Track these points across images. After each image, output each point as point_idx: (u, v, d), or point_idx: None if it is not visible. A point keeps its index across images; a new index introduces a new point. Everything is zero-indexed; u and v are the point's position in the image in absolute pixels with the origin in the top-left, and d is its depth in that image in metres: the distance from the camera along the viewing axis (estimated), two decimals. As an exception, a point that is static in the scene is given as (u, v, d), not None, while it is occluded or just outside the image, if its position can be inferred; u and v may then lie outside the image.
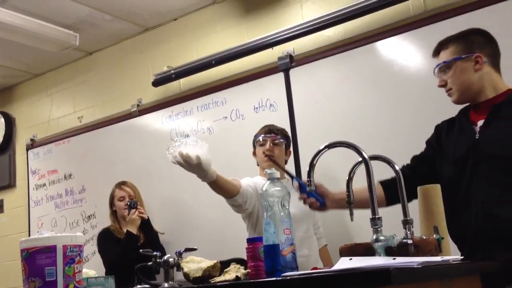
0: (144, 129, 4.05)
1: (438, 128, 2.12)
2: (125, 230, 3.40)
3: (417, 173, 2.02)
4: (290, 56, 3.39)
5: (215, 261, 1.75)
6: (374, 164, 1.56)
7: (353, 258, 1.35)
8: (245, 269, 1.59)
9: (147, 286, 1.88)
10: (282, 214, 1.54)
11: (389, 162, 1.64)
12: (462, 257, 1.47)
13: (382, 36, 3.09)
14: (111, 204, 3.58)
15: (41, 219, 4.58)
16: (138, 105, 4.12)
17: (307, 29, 3.29)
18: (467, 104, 2.02)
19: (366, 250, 1.46)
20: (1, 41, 3.96)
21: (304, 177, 1.75)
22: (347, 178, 1.69)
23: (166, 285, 1.79)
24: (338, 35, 3.29)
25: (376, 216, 1.48)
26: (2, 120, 4.97)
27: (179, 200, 3.77)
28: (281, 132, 2.87)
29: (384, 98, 3.04)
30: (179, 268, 1.79)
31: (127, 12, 3.92)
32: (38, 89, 4.88)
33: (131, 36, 4.28)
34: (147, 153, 3.97)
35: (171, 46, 4.07)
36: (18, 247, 1.54)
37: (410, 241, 1.43)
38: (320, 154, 1.64)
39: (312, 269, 1.58)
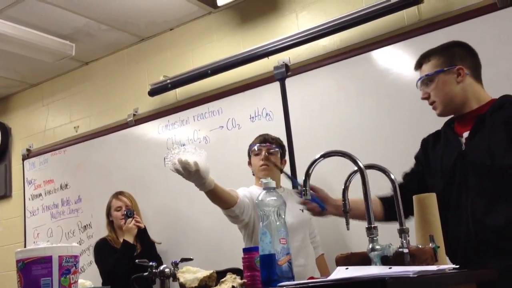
0: (140, 139, 4.05)
1: (424, 142, 2.14)
2: (121, 240, 3.39)
3: (410, 190, 2.01)
4: (286, 66, 3.40)
5: (211, 271, 1.74)
6: (369, 173, 1.56)
7: (349, 267, 1.35)
8: (241, 279, 1.59)
9: (143, 296, 1.87)
10: (278, 223, 1.54)
11: (385, 171, 1.65)
12: (458, 266, 1.47)
13: (377, 45, 3.11)
14: (108, 214, 3.57)
15: (37, 229, 4.56)
16: (134, 115, 4.12)
17: (302, 38, 3.31)
18: (451, 116, 2.05)
19: (362, 259, 1.46)
20: (-3, 51, 3.96)
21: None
22: (343, 187, 1.70)
23: (162, 295, 1.78)
24: (334, 44, 3.31)
25: (372, 226, 1.48)
26: (-2, 130, 4.96)
27: (176, 209, 3.76)
28: (276, 141, 2.87)
29: (380, 107, 3.05)
30: (175, 278, 1.79)
31: (123, 22, 3.93)
32: (34, 99, 4.88)
33: (128, 46, 4.29)
34: (143, 163, 3.97)
35: (167, 56, 4.08)
36: (13, 257, 1.53)
37: (406, 250, 1.42)
38: (315, 163, 1.64)
39: (308, 279, 1.58)
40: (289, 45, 3.36)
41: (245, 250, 1.58)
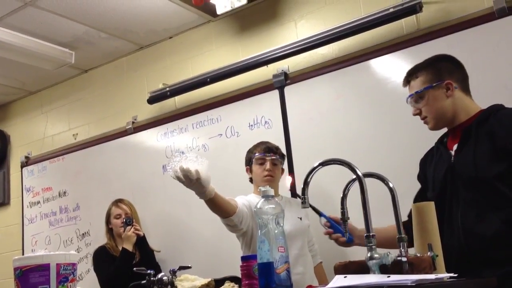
0: (139, 147, 4.05)
1: (421, 162, 2.18)
2: (121, 248, 3.38)
3: None
4: (285, 74, 3.41)
5: (209, 279, 1.74)
6: (368, 181, 1.57)
7: (348, 276, 1.35)
8: (240, 287, 1.58)
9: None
10: (276, 231, 1.53)
11: (383, 180, 1.65)
12: (456, 275, 1.47)
13: (376, 54, 3.12)
14: (107, 221, 3.57)
15: (35, 237, 4.55)
16: (133, 123, 4.13)
17: (301, 47, 3.32)
18: (445, 131, 2.08)
19: (361, 267, 1.46)
20: (-3, 58, 3.97)
21: (299, 193, 1.76)
22: (342, 195, 1.70)
23: (160, 303, 1.78)
24: (332, 53, 3.32)
25: (370, 234, 1.48)
26: (-3, 137, 4.96)
27: (175, 217, 3.76)
28: (279, 151, 2.88)
29: (378, 115, 3.05)
30: (173, 286, 1.78)
31: (123, 30, 3.94)
32: (33, 107, 4.89)
33: (127, 54, 4.30)
34: (142, 171, 3.97)
35: (167, 64, 4.09)
36: (11, 265, 1.53)
37: (404, 259, 1.42)
38: (314, 171, 1.65)
39: (307, 287, 1.57)
40: (288, 54, 3.37)
41: (243, 258, 1.58)
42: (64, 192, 4.43)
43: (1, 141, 4.94)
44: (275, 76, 3.43)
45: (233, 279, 1.74)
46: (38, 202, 4.59)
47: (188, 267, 2.12)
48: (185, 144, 3.80)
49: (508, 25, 2.72)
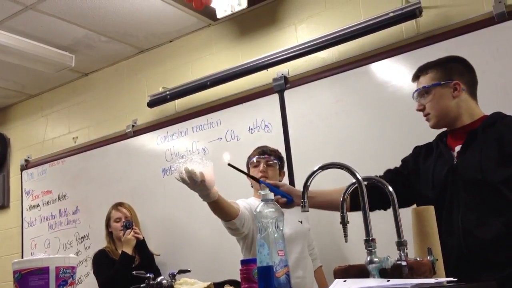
0: (139, 150, 4.05)
1: (416, 150, 2.17)
2: (120, 252, 3.38)
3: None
4: (285, 78, 3.41)
5: (209, 283, 1.74)
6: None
7: (347, 280, 1.35)
8: (239, 291, 1.58)
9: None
10: (276, 235, 1.53)
11: (383, 184, 1.65)
12: (456, 279, 1.47)
13: (375, 58, 3.13)
14: (107, 225, 3.57)
15: (34, 240, 4.55)
16: (133, 126, 4.13)
17: (301, 51, 3.33)
18: (444, 129, 2.07)
19: (360, 271, 1.46)
20: (-3, 62, 3.98)
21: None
22: (341, 199, 1.70)
23: (159, 307, 1.77)
24: (332, 57, 3.32)
25: (370, 238, 1.47)
26: (-3, 140, 4.96)
27: (174, 221, 3.75)
28: (274, 153, 2.88)
29: (378, 119, 3.06)
30: (173, 290, 1.78)
31: (123, 34, 3.95)
32: (33, 110, 4.89)
33: (127, 57, 4.31)
34: (142, 174, 3.97)
35: (167, 68, 4.09)
36: (10, 268, 1.53)
37: (404, 263, 1.42)
38: (314, 175, 1.64)
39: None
40: (288, 58, 3.38)
41: (243, 262, 1.57)
42: (64, 196, 4.43)
43: (1, 144, 4.94)
44: (275, 80, 3.43)
45: (232, 283, 1.73)
46: (38, 205, 4.59)
47: (188, 271, 2.12)
48: (185, 147, 3.80)
49: (508, 30, 2.72)
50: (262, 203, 1.59)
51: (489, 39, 2.76)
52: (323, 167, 1.64)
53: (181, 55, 4.03)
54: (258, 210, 1.57)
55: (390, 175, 2.16)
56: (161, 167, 3.86)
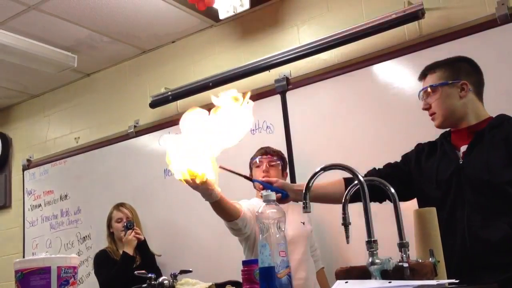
0: (141, 150, 4.05)
1: (418, 148, 2.15)
2: (121, 252, 3.38)
3: (384, 178, 1.98)
4: (287, 79, 3.42)
5: (210, 284, 1.74)
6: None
7: (349, 281, 1.34)
8: (241, 291, 1.58)
9: (141, 308, 1.86)
10: (277, 236, 1.53)
11: (385, 185, 1.65)
12: (458, 281, 1.47)
13: (377, 60, 3.12)
14: (109, 225, 3.57)
15: (35, 240, 4.55)
16: (135, 126, 4.13)
17: (303, 52, 3.33)
18: (449, 129, 2.06)
19: (362, 273, 1.45)
20: None
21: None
22: (343, 200, 1.69)
23: (160, 307, 1.77)
24: (334, 58, 3.32)
25: (372, 239, 1.47)
26: (-1, 140, 4.97)
27: (176, 221, 3.75)
28: (277, 153, 2.88)
29: (379, 121, 3.05)
30: (174, 290, 1.78)
31: (125, 35, 3.95)
32: (36, 110, 4.90)
33: (129, 58, 4.31)
34: (143, 174, 3.97)
35: (169, 68, 4.10)
36: (12, 268, 1.53)
37: (405, 264, 1.42)
38: (316, 176, 1.64)
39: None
40: (290, 59, 3.38)
41: (245, 263, 1.57)
42: (66, 196, 4.44)
43: (3, 144, 4.95)
44: (277, 81, 3.43)
45: (234, 283, 1.73)
46: (40, 205, 4.60)
47: (189, 271, 2.11)
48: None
49: (510, 32, 2.72)
50: (264, 204, 1.59)
51: (491, 41, 2.76)
52: (325, 168, 1.64)
53: (183, 56, 4.03)
54: (260, 211, 1.57)
55: (389, 169, 2.15)
56: (163, 168, 3.86)
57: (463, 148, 1.97)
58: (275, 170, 2.82)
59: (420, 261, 1.49)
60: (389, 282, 1.28)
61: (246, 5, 3.28)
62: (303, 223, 2.80)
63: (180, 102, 3.93)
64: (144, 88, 4.18)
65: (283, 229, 1.57)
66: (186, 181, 2.10)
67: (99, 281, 3.43)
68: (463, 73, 2.01)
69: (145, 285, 1.84)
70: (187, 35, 4.02)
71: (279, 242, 1.53)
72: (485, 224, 1.83)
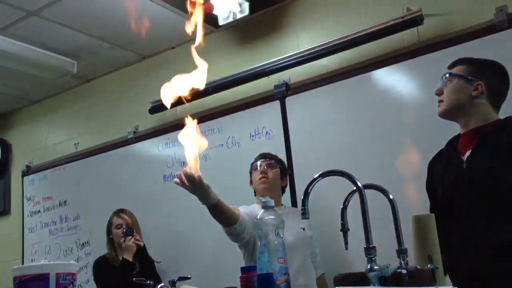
0: (141, 156, 4.05)
1: (429, 166, 2.17)
2: (121, 258, 3.38)
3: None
4: (286, 85, 3.42)
5: (209, 290, 1.73)
6: (368, 192, 1.56)
7: (347, 287, 1.34)
8: (239, 298, 1.58)
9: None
10: (276, 242, 1.53)
11: (384, 191, 1.65)
12: (456, 287, 1.47)
13: (377, 66, 3.13)
14: (109, 231, 3.56)
15: (34, 246, 4.55)
16: (134, 132, 4.13)
17: (303, 58, 3.33)
18: (454, 134, 2.07)
19: (360, 279, 1.45)
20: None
21: (299, 205, 1.76)
22: (342, 206, 1.69)
23: (159, 314, 1.77)
24: (334, 64, 3.33)
25: (370, 246, 1.47)
26: (-1, 146, 4.97)
27: (175, 228, 3.75)
28: (275, 157, 2.90)
29: (379, 127, 3.05)
30: (173, 297, 1.78)
31: (125, 40, 3.96)
32: (35, 116, 4.90)
33: (129, 64, 4.32)
34: (143, 180, 3.97)
35: (168, 74, 4.08)
36: (10, 274, 1.53)
37: (404, 271, 1.42)
38: (314, 182, 1.64)
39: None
40: (289, 65, 3.38)
41: (243, 269, 1.57)
42: (65, 202, 4.43)
43: (2, 150, 4.95)
44: (276, 87, 3.44)
45: (232, 290, 1.73)
46: (39, 211, 4.59)
47: (188, 278, 2.11)
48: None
49: (509, 38, 2.72)
50: (263, 210, 1.59)
51: (490, 47, 2.76)
52: (324, 175, 1.64)
53: (183, 62, 4.03)
54: (258, 217, 1.57)
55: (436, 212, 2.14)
56: (162, 173, 3.86)
57: (468, 153, 1.97)
58: (274, 172, 2.83)
59: (419, 267, 1.49)
60: (388, 289, 1.28)
61: (246, 11, 3.29)
62: (303, 229, 2.79)
63: (179, 108, 3.92)
64: (144, 93, 4.18)
65: (282, 235, 1.57)
66: (184, 185, 2.09)
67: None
68: (485, 76, 2.02)
69: (143, 291, 1.85)
70: (187, 41, 4.02)
71: (277, 248, 1.53)
72: (490, 228, 1.83)
